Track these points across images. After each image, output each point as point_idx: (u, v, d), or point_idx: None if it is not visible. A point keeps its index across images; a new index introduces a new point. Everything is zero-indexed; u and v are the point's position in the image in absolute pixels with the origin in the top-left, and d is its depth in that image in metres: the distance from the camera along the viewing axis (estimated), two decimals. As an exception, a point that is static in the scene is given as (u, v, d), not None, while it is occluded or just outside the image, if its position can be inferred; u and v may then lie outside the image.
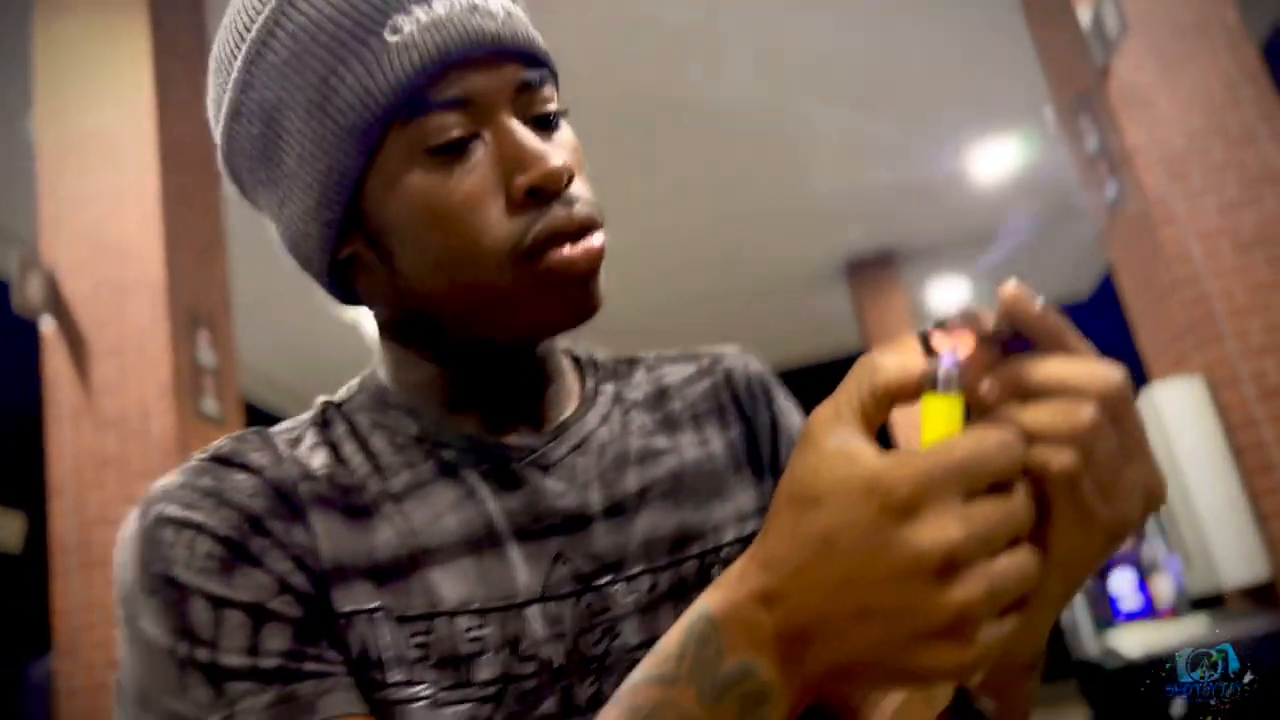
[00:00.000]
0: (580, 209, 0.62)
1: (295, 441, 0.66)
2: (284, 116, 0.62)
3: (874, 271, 11.02)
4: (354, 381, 0.72)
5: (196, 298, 4.65)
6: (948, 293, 12.28)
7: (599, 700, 0.62)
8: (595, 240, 0.63)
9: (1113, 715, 3.56)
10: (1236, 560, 3.67)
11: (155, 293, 4.42)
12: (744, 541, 0.71)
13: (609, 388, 0.75)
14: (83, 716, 4.08)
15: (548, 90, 0.65)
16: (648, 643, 0.61)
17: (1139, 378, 4.39)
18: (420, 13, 0.60)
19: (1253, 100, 4.00)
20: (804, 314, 11.67)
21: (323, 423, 0.68)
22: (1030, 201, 9.45)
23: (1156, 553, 11.89)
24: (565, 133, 0.66)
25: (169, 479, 0.61)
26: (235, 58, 0.63)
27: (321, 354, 9.96)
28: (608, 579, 0.66)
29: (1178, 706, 3.35)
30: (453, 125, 0.60)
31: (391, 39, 0.59)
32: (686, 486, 0.71)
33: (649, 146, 6.72)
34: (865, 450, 0.43)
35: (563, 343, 0.76)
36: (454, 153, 0.61)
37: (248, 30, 0.62)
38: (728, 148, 7.24)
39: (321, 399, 0.71)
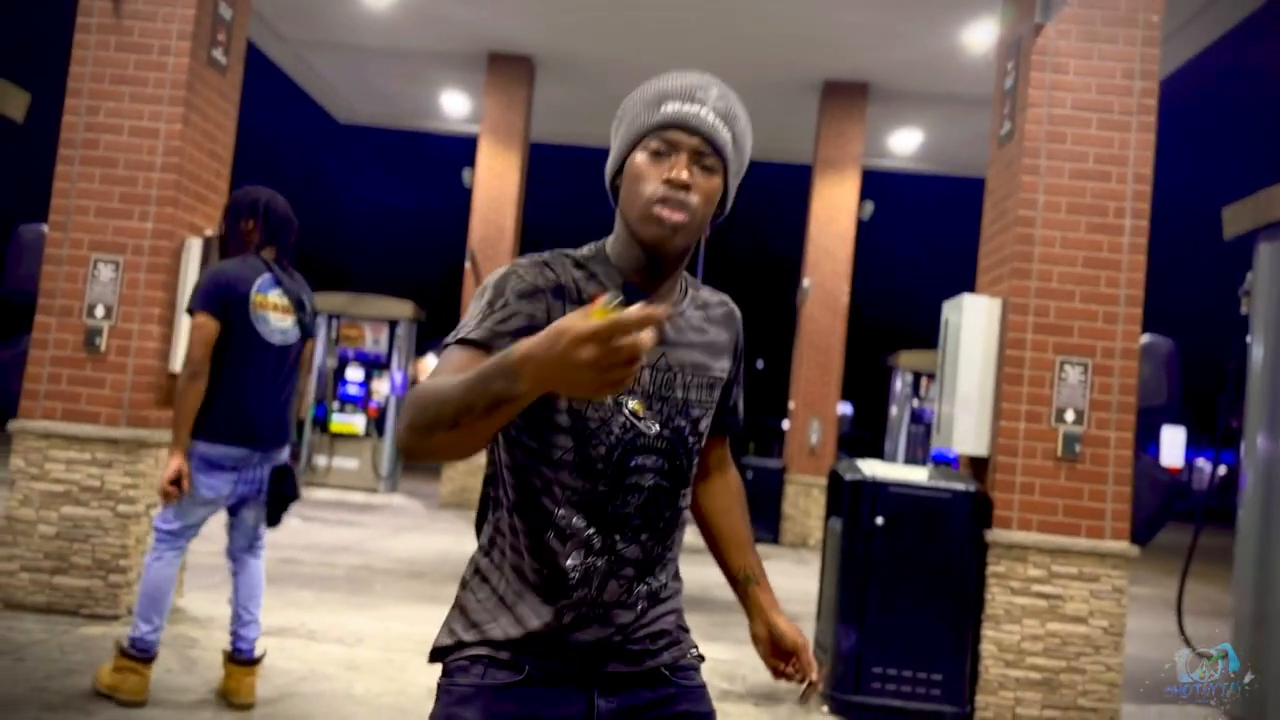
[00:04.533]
0: (680, 197, 1.38)
1: (568, 266, 1.44)
2: (623, 121, 1.47)
3: (845, 99, 11.56)
4: (594, 245, 1.50)
5: (228, -44, 5.19)
6: (905, 139, 12.95)
7: (661, 412, 1.43)
8: (677, 216, 1.38)
9: (841, 514, 4.74)
10: (970, 437, 4.82)
11: (195, -58, 4.96)
12: (720, 378, 1.53)
13: (691, 291, 1.55)
14: (63, 279, 4.96)
15: (711, 160, 1.41)
16: (682, 398, 1.45)
17: (972, 277, 5.38)
18: (677, 105, 1.41)
19: (1140, 93, 4.78)
20: (771, 117, 12.26)
21: (577, 263, 1.46)
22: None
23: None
24: (712, 181, 1.41)
25: (523, 259, 1.45)
26: (630, 95, 1.48)
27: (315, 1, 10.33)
28: (676, 369, 1.46)
29: (879, 519, 4.56)
30: (659, 146, 1.40)
31: (662, 109, 1.41)
32: (710, 348, 1.53)
33: None
34: (576, 317, 1.02)
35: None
36: (655, 156, 1.41)
37: (636, 90, 1.48)
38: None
39: (581, 251, 1.49)
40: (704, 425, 1.51)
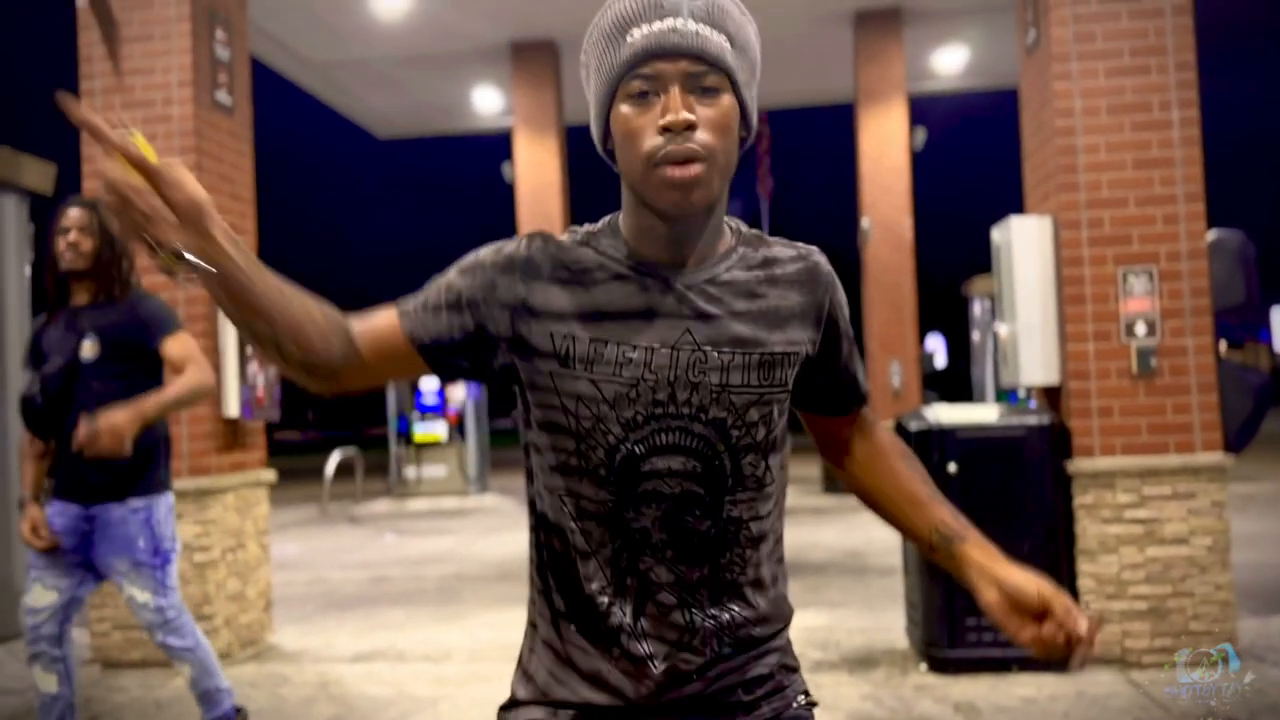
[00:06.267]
0: (686, 145, 1.10)
1: (569, 244, 1.23)
2: (590, 69, 1.20)
3: (879, 26, 11.16)
4: (606, 219, 1.27)
5: (215, -4, 5.17)
6: (950, 58, 12.45)
7: (689, 402, 1.18)
8: (692, 169, 1.11)
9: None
10: (1038, 366, 4.57)
11: (179, -13, 4.95)
12: (785, 354, 1.23)
13: (742, 249, 1.26)
14: (109, 341, 5.02)
15: (710, 78, 1.13)
16: (719, 383, 1.18)
17: (1019, 199, 5.09)
18: (644, 28, 1.12)
19: (1172, -26, 4.44)
20: (805, 58, 11.90)
21: (584, 240, 1.24)
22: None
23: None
24: (720, 103, 1.13)
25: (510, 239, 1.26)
26: (588, 33, 1.21)
27: (328, 19, 10.33)
28: (709, 348, 1.19)
29: (952, 466, 4.36)
30: (641, 86, 1.13)
31: (628, 40, 1.13)
32: (767, 317, 1.23)
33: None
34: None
35: (731, 220, 1.28)
36: (640, 100, 1.14)
37: (592, 24, 1.20)
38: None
39: (586, 227, 1.26)
40: (755, 414, 1.21)
